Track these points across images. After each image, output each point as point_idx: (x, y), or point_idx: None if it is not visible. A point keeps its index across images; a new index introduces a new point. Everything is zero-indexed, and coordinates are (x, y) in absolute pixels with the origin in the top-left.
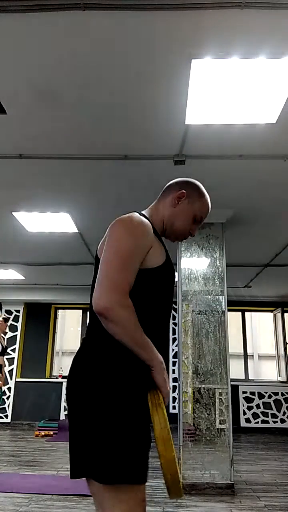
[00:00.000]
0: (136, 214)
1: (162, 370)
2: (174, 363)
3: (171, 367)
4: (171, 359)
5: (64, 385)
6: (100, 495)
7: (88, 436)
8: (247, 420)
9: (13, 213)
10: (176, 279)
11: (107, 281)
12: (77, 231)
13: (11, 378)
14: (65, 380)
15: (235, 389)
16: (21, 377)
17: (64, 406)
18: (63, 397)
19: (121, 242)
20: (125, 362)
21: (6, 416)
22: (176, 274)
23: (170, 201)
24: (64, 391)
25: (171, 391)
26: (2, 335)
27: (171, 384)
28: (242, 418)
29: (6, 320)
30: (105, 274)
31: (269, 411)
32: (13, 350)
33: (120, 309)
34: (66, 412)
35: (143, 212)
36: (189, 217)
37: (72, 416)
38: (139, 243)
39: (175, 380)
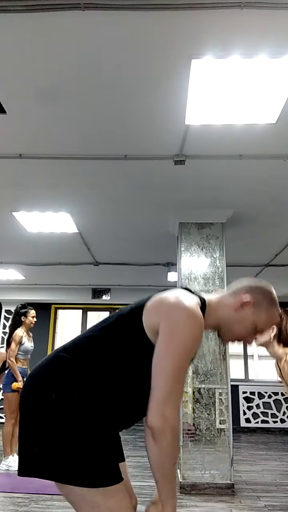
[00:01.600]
0: (197, 306)
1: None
2: None
3: None
4: None
5: None
6: (76, 499)
7: (56, 439)
8: (247, 420)
9: (13, 213)
10: (176, 279)
11: (166, 391)
12: (77, 231)
13: None
14: None
15: (235, 389)
16: None
17: None
18: None
19: (182, 342)
20: (104, 392)
21: None
22: (176, 274)
23: (233, 304)
24: None
25: None
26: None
27: None
28: (242, 418)
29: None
30: (163, 379)
31: (269, 411)
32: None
33: (171, 435)
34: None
35: (203, 295)
36: (249, 326)
37: (31, 414)
38: (196, 341)
39: None
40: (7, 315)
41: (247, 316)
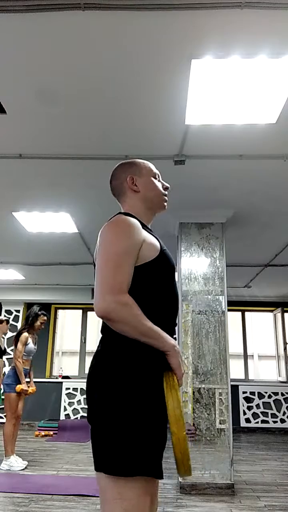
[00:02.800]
0: (121, 215)
1: (177, 353)
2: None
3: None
4: None
5: (64, 385)
6: (103, 488)
7: (104, 428)
8: (247, 420)
9: (13, 213)
10: (176, 279)
11: (102, 286)
12: (77, 231)
13: None
14: (65, 380)
15: (235, 389)
16: None
17: (64, 406)
18: (63, 397)
19: (111, 245)
20: (139, 355)
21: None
22: (176, 274)
23: (130, 192)
24: (64, 391)
25: None
26: (3, 335)
27: None
28: (242, 418)
29: (7, 321)
30: (100, 280)
31: (269, 411)
32: (13, 350)
33: (119, 308)
34: (66, 412)
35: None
36: (151, 183)
37: (92, 411)
38: (130, 241)
39: None
40: (7, 315)
41: (143, 182)
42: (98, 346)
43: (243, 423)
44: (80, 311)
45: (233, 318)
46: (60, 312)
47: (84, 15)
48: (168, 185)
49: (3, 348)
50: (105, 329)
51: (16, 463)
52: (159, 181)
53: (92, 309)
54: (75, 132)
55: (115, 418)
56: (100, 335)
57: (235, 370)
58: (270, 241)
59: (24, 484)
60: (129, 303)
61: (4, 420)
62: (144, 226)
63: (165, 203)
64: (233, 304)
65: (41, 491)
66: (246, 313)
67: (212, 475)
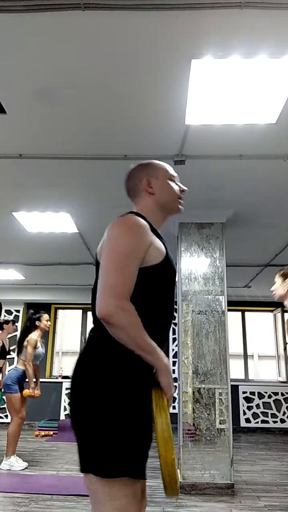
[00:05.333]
0: (132, 215)
1: (168, 373)
2: (174, 363)
3: (171, 367)
4: (171, 359)
5: (64, 385)
6: (94, 489)
7: (89, 430)
8: (247, 420)
9: (13, 213)
10: (176, 279)
11: (107, 287)
12: (77, 231)
13: None
14: (65, 380)
15: (235, 389)
16: None
17: (65, 406)
18: (63, 397)
19: (118, 245)
20: (129, 361)
21: (6, 416)
22: (176, 274)
23: (145, 194)
24: (64, 391)
25: None
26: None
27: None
28: (242, 418)
29: (13, 322)
30: (104, 280)
31: (269, 411)
32: (13, 350)
33: (121, 314)
34: (66, 412)
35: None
36: (167, 185)
37: (75, 411)
38: (137, 243)
39: (175, 380)
40: (7, 315)
41: (159, 185)
42: (86, 344)
43: (243, 423)
44: (80, 311)
45: (233, 318)
46: (60, 312)
47: (84, 15)
48: (185, 188)
49: (7, 349)
50: (97, 329)
51: (16, 463)
52: (176, 183)
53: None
54: (75, 132)
55: (103, 420)
56: None
57: (235, 370)
58: (270, 241)
59: (24, 484)
60: (131, 311)
61: (3, 420)
62: (152, 229)
63: (180, 206)
64: (233, 304)
65: (41, 491)
66: (246, 313)
67: (212, 475)
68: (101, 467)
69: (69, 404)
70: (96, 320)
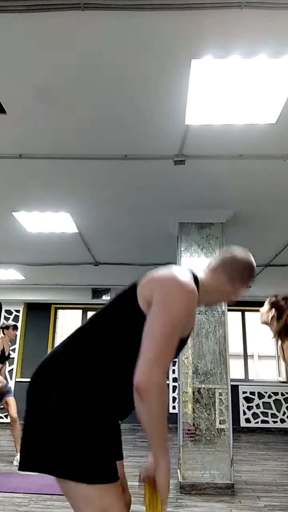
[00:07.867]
0: (190, 277)
1: (166, 473)
2: (174, 363)
3: (171, 367)
4: None
5: None
6: (72, 494)
7: (65, 436)
8: (247, 420)
9: (13, 213)
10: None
11: (157, 357)
12: (77, 231)
13: (11, 378)
14: None
15: (235, 389)
16: (21, 377)
17: None
18: None
19: (173, 310)
20: (102, 384)
21: (6, 416)
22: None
23: (224, 282)
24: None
25: (171, 391)
26: (9, 342)
27: (171, 384)
28: (242, 418)
29: (15, 327)
30: (153, 344)
31: (269, 411)
32: (13, 350)
33: (157, 393)
34: None
35: (195, 272)
36: (235, 295)
37: (45, 415)
38: (187, 316)
39: (175, 380)
40: (7, 315)
41: (234, 287)
42: (65, 346)
43: (243, 423)
44: (80, 311)
45: (233, 318)
46: (60, 312)
47: (84, 15)
48: (249, 287)
49: (7, 354)
50: (85, 340)
51: None
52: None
53: (92, 309)
54: (75, 132)
55: (76, 425)
56: None
57: (235, 370)
58: (270, 241)
59: (24, 484)
60: (164, 390)
61: (3, 420)
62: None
63: (225, 304)
64: (233, 304)
65: (41, 491)
66: (246, 313)
67: (212, 475)
68: (80, 472)
69: (30, 404)
70: (89, 329)
